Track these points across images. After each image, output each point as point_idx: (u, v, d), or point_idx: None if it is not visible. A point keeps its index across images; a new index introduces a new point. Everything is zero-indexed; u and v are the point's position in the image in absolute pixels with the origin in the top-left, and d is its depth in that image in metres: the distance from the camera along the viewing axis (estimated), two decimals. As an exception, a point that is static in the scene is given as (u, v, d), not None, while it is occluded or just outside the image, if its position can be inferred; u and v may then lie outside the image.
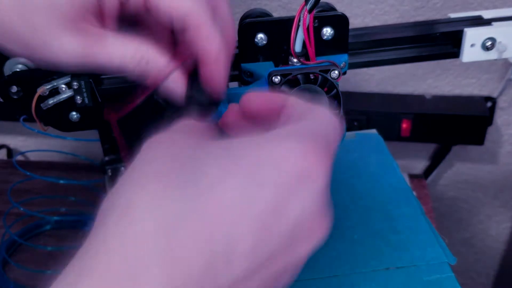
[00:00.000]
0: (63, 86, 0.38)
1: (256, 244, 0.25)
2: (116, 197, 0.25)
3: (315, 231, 0.27)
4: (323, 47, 0.39)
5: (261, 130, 0.32)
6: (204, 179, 0.25)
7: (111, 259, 0.23)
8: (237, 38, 0.38)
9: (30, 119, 0.41)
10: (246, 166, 0.25)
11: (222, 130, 0.34)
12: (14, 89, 0.38)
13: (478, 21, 0.43)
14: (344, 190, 0.52)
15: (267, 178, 0.25)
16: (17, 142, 0.90)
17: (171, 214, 0.24)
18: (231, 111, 0.33)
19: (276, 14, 0.41)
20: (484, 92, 0.79)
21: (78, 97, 0.38)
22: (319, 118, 0.29)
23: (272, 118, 0.31)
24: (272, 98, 0.31)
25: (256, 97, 0.32)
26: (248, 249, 0.24)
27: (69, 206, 0.67)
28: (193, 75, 0.38)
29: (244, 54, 0.39)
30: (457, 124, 0.77)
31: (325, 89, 0.36)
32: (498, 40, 0.41)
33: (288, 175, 0.26)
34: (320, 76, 0.36)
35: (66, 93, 0.38)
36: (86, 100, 0.38)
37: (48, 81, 0.38)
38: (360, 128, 0.76)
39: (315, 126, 0.28)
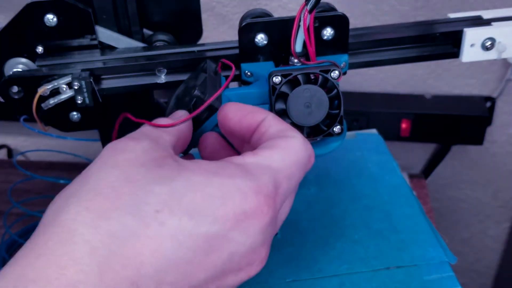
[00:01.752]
0: (64, 86, 0.38)
1: (184, 277, 0.26)
2: (62, 208, 0.26)
3: (248, 265, 0.28)
4: (323, 47, 0.39)
5: (235, 142, 0.34)
6: (147, 206, 0.26)
7: (49, 274, 0.24)
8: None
9: (30, 119, 0.41)
10: (191, 197, 0.26)
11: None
12: (15, 89, 0.38)
13: (478, 21, 0.43)
14: (344, 190, 0.52)
15: (209, 211, 0.26)
16: (17, 142, 0.90)
17: (109, 236, 0.25)
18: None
19: (276, 14, 0.41)
20: (484, 92, 0.79)
21: (79, 97, 0.38)
22: (288, 150, 0.30)
23: (247, 134, 0.33)
24: (249, 115, 0.32)
25: (233, 114, 0.33)
26: (175, 281, 0.26)
27: (69, 206, 0.67)
28: (192, 78, 0.38)
29: (244, 54, 0.39)
30: (456, 124, 0.77)
31: (326, 89, 0.36)
32: (497, 40, 0.41)
33: (231, 211, 0.27)
34: (320, 76, 0.36)
35: (67, 93, 0.38)
36: (87, 100, 0.38)
37: (49, 81, 0.38)
38: (360, 128, 0.76)
39: (279, 161, 0.30)
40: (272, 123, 0.32)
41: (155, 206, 0.26)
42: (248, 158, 0.30)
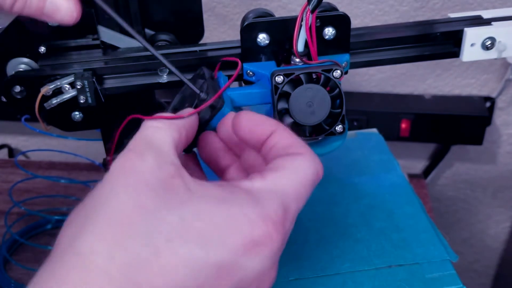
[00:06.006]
0: (67, 86, 0.38)
1: None
2: (78, 235, 0.27)
3: (257, 287, 0.29)
4: (325, 46, 0.39)
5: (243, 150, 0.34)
6: (159, 235, 0.26)
7: None
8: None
9: (31, 119, 0.41)
10: (201, 226, 0.27)
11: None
12: (18, 88, 0.38)
13: (478, 21, 0.43)
14: (346, 189, 0.52)
15: (219, 240, 0.27)
16: (18, 141, 0.90)
17: (124, 265, 0.26)
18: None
19: (276, 14, 0.41)
20: (483, 92, 0.79)
21: (82, 96, 0.38)
22: (295, 171, 0.31)
23: (256, 144, 0.33)
24: (260, 126, 0.32)
25: (245, 123, 0.33)
26: None
27: (70, 205, 0.67)
28: (198, 76, 0.38)
29: (246, 54, 0.39)
30: (456, 124, 0.77)
31: (328, 88, 0.36)
32: (498, 39, 0.42)
33: (239, 240, 0.27)
34: (322, 76, 0.36)
35: (69, 93, 0.38)
36: (89, 100, 0.39)
37: (51, 80, 0.38)
38: (360, 128, 0.76)
39: (287, 184, 0.30)
40: (281, 137, 0.32)
41: (166, 235, 0.26)
42: (256, 183, 0.30)
